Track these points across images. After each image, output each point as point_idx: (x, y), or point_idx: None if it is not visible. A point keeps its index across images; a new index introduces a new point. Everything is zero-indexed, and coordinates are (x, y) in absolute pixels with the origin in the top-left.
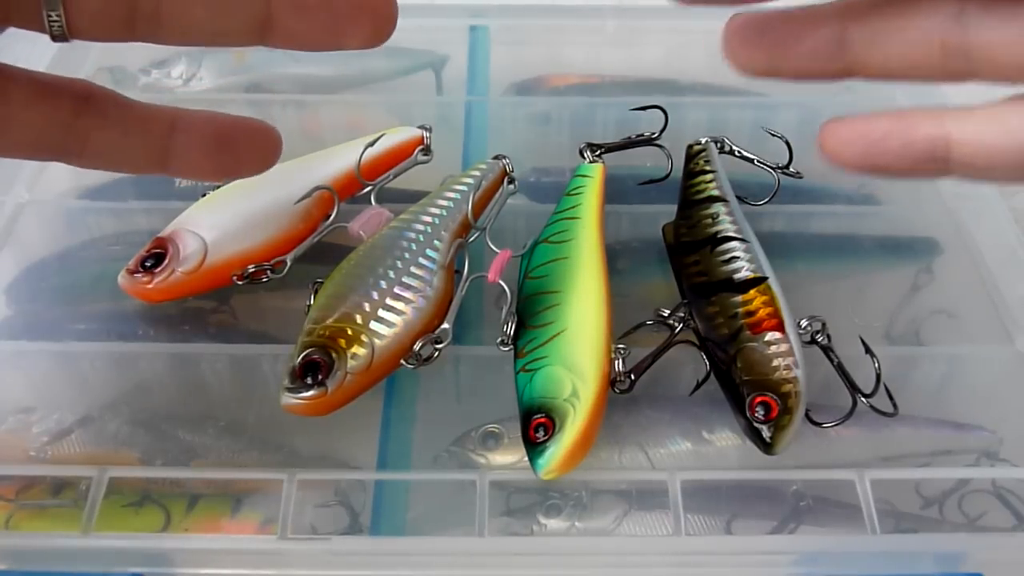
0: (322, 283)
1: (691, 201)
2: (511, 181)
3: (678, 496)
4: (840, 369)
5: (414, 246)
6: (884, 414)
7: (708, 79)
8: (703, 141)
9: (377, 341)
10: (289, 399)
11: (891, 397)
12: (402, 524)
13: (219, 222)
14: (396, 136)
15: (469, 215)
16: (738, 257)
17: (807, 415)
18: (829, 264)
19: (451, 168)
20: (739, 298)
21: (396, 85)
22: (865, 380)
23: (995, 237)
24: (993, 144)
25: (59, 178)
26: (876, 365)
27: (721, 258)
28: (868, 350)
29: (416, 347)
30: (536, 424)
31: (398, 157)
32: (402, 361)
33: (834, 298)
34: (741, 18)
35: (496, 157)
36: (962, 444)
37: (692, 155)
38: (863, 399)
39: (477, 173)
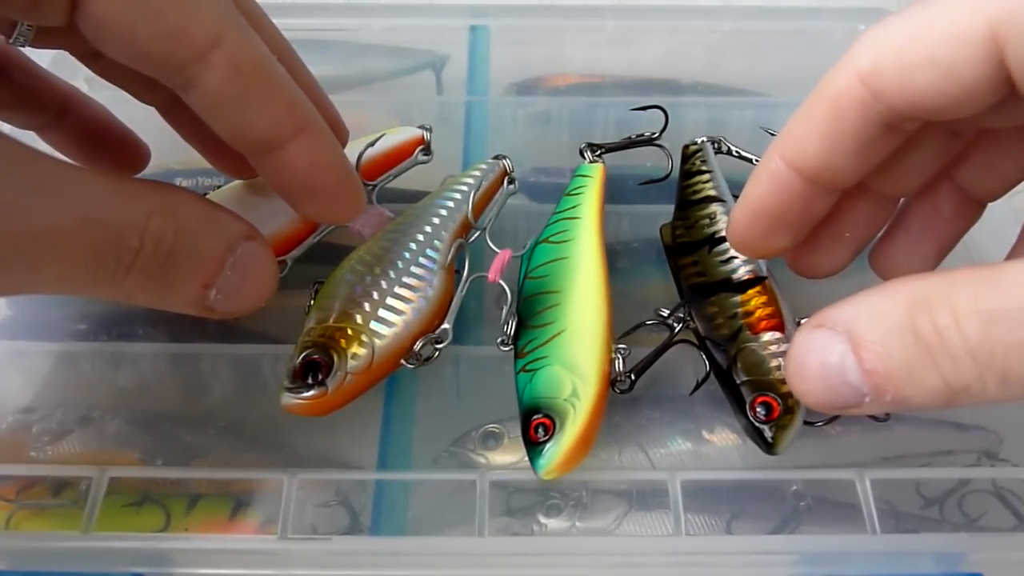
0: (322, 283)
1: (688, 202)
2: (511, 181)
3: (678, 496)
4: None
5: (414, 246)
6: (875, 419)
7: (708, 79)
8: (699, 141)
9: (377, 341)
10: (289, 399)
11: None
12: (402, 524)
13: None
14: (396, 136)
15: (469, 215)
16: (736, 257)
17: None
18: None
19: (451, 168)
20: (738, 298)
21: (396, 85)
22: None
23: (995, 237)
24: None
25: None
26: None
27: (719, 258)
28: None
29: (416, 347)
30: (536, 424)
31: (398, 157)
32: (402, 361)
33: (834, 298)
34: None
35: (496, 157)
36: (962, 444)
37: (688, 155)
38: None
39: (477, 173)
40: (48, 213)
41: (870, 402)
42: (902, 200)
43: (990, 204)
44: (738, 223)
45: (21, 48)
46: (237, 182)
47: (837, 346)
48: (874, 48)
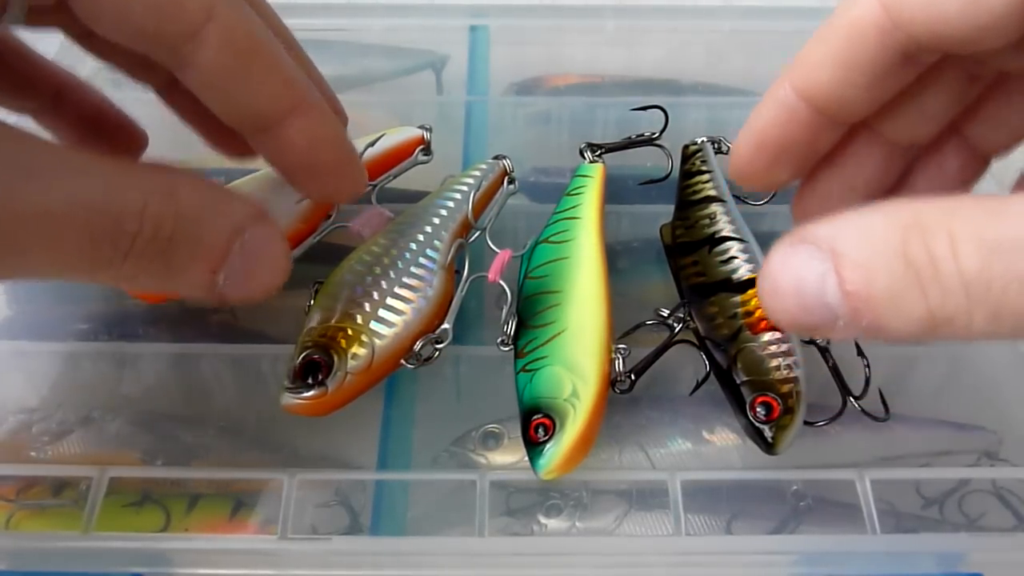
0: (322, 283)
1: (688, 202)
2: (511, 181)
3: (678, 496)
4: (834, 370)
5: (414, 246)
6: (875, 418)
7: (708, 79)
8: (699, 141)
9: (377, 341)
10: (289, 399)
11: (884, 401)
12: (402, 524)
13: None
14: (396, 136)
15: (469, 215)
16: (736, 257)
17: None
18: None
19: (451, 168)
20: (738, 298)
21: (396, 85)
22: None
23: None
24: None
25: None
26: (866, 367)
27: (719, 258)
28: (860, 352)
29: (416, 347)
30: (536, 424)
31: (398, 157)
32: (402, 361)
33: None
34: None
35: (496, 157)
36: (962, 444)
37: (688, 155)
38: (853, 400)
39: (477, 173)
40: (37, 195)
41: (843, 326)
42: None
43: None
44: (741, 151)
45: (16, 32)
46: (235, 182)
47: (817, 263)
48: None
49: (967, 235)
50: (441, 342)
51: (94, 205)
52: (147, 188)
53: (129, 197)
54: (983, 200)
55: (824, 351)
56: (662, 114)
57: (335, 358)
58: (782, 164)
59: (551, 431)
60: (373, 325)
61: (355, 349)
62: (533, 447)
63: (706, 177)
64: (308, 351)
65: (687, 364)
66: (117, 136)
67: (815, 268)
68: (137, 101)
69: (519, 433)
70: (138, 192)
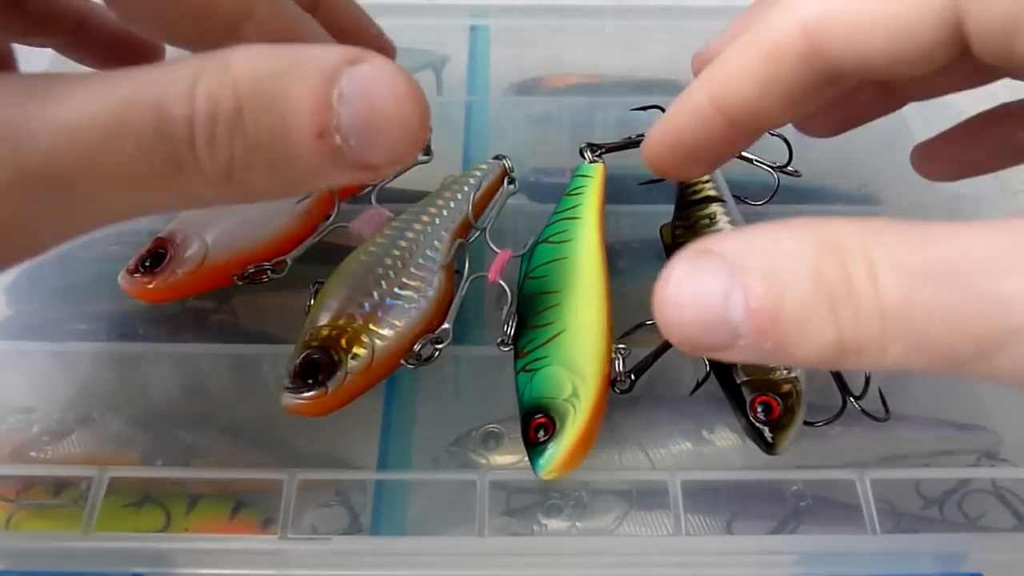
0: (322, 283)
1: (688, 202)
2: (511, 181)
3: (678, 496)
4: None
5: (414, 246)
6: (875, 418)
7: None
8: None
9: (377, 341)
10: (289, 399)
11: (884, 401)
12: (402, 524)
13: (219, 222)
14: None
15: (469, 215)
16: None
17: None
18: None
19: (451, 168)
20: None
21: None
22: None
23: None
24: None
25: None
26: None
27: None
28: None
29: (416, 347)
30: (536, 424)
31: None
32: (402, 361)
33: None
34: (925, 145)
35: (496, 157)
36: (962, 444)
37: None
38: (852, 400)
39: (478, 173)
40: (58, 114)
41: (744, 347)
42: None
43: (991, 204)
44: (653, 146)
45: None
46: None
47: (723, 276)
48: (824, 0)
49: (888, 261)
50: (441, 342)
51: (125, 100)
52: (189, 69)
53: (168, 81)
54: (904, 224)
55: None
56: (662, 114)
57: (335, 358)
58: (695, 163)
59: (551, 431)
60: (373, 325)
61: (355, 349)
62: (533, 447)
63: (706, 177)
64: (308, 351)
65: (687, 364)
66: (146, 59)
67: (720, 282)
68: None
69: (519, 433)
70: (178, 75)
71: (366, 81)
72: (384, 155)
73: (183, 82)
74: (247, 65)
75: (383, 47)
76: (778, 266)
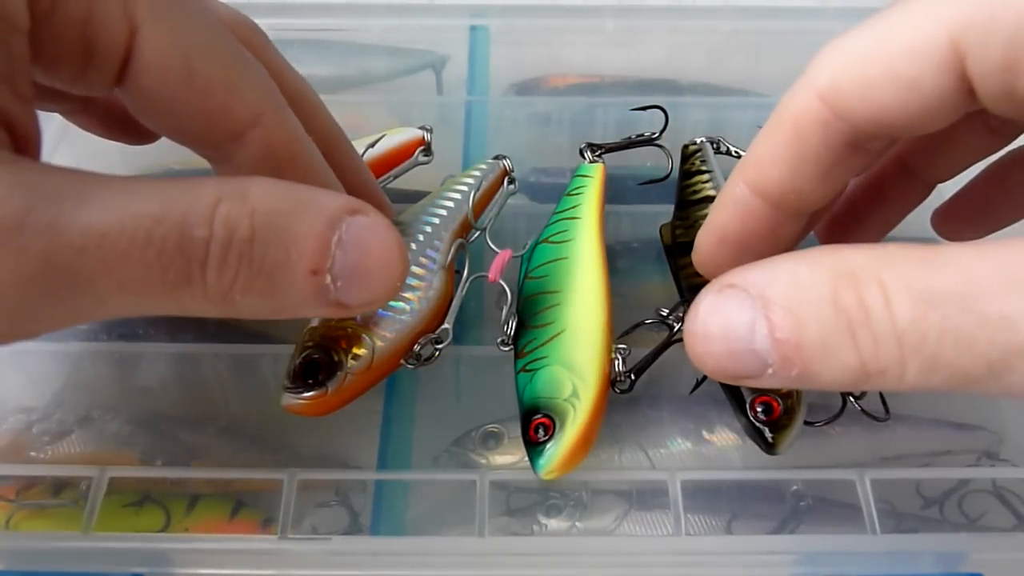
0: None
1: (688, 202)
2: (511, 181)
3: (678, 496)
4: None
5: (414, 246)
6: (875, 418)
7: (708, 79)
8: (699, 141)
9: (377, 341)
10: (289, 399)
11: (884, 401)
12: (402, 524)
13: None
14: (397, 136)
15: (469, 215)
16: None
17: None
18: None
19: (451, 168)
20: None
21: (396, 85)
22: None
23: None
24: None
25: None
26: None
27: None
28: None
29: (416, 347)
30: (536, 424)
31: (399, 158)
32: (402, 361)
33: None
34: (945, 208)
35: (496, 157)
36: (962, 444)
37: (688, 155)
38: (852, 400)
39: (477, 173)
40: (90, 219)
41: (772, 375)
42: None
43: None
44: (703, 249)
45: None
46: None
47: (747, 309)
48: (833, 65)
49: (899, 285)
50: (441, 342)
51: (153, 214)
52: (212, 193)
53: (192, 201)
54: (913, 249)
55: None
56: (662, 114)
57: (335, 358)
58: (744, 258)
59: (551, 431)
60: (373, 325)
61: (355, 349)
62: (533, 447)
63: (706, 177)
64: (308, 351)
65: (687, 364)
66: (148, 137)
67: (745, 314)
68: None
69: (519, 433)
70: (203, 196)
71: (362, 231)
72: (361, 298)
73: (205, 204)
74: (264, 197)
75: (381, 204)
76: (798, 296)
